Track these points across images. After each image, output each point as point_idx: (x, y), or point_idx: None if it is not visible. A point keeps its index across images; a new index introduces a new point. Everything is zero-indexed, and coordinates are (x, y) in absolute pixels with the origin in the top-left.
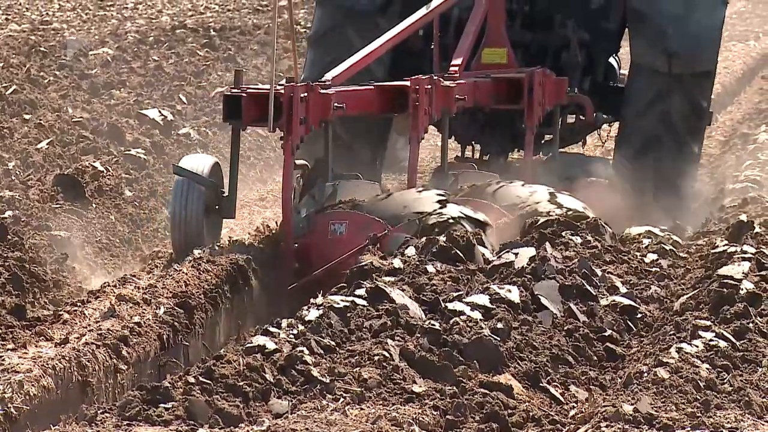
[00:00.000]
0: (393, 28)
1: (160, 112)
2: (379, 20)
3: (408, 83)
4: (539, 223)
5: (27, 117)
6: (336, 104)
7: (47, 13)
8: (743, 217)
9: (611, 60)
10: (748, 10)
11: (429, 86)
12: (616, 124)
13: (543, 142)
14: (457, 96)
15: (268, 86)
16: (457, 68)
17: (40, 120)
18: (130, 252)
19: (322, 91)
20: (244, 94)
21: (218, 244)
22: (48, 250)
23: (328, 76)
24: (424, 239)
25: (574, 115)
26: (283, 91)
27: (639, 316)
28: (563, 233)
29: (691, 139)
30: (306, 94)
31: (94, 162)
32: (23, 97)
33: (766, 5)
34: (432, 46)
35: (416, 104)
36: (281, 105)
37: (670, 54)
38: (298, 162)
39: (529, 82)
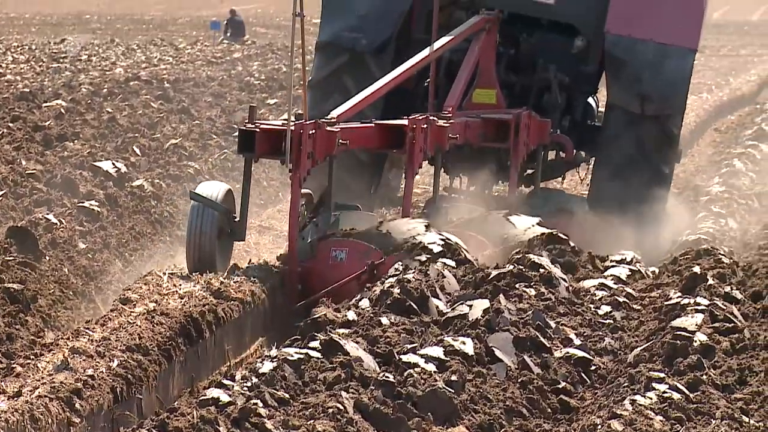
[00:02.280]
0: (388, 71)
1: (113, 164)
2: (374, 64)
3: (406, 122)
4: (493, 275)
5: None
6: (340, 140)
7: (1, 65)
8: (696, 270)
9: (590, 99)
10: (701, 63)
11: (425, 125)
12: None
13: (525, 175)
14: (449, 135)
15: (278, 123)
16: (450, 108)
17: None
18: (84, 304)
19: (328, 128)
20: (257, 129)
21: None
22: (1, 302)
23: (334, 114)
24: (377, 291)
25: (555, 152)
26: (293, 128)
27: (593, 368)
28: (517, 285)
29: (661, 174)
30: (314, 131)
31: (47, 214)
32: None
33: (720, 58)
34: (424, 85)
35: (413, 142)
36: (291, 140)
37: (643, 97)
38: (303, 191)
39: (516, 123)
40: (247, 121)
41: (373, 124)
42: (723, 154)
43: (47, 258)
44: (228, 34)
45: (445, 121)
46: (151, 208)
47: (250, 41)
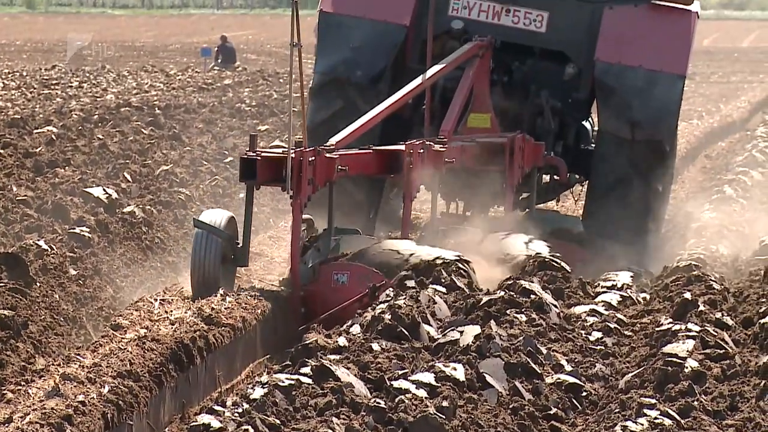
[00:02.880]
0: (385, 97)
1: (104, 190)
2: (371, 91)
3: (403, 148)
4: (483, 301)
5: None
6: (339, 167)
7: None
8: (687, 296)
9: (585, 124)
10: (691, 90)
11: (421, 150)
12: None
13: (521, 198)
14: (446, 159)
15: (278, 150)
16: (446, 133)
17: None
18: (75, 331)
19: (327, 155)
20: (258, 157)
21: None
22: None
23: (333, 140)
24: (369, 317)
25: (549, 176)
26: (293, 155)
27: (584, 394)
28: (508, 311)
29: (654, 197)
30: (314, 158)
31: (38, 240)
32: None
33: (710, 85)
34: (420, 111)
35: (410, 166)
36: (291, 167)
37: (633, 123)
38: (303, 217)
39: (511, 146)
40: (248, 149)
41: (371, 150)
42: (713, 181)
43: (38, 284)
44: (219, 61)
45: (441, 145)
46: (142, 235)
47: (241, 68)
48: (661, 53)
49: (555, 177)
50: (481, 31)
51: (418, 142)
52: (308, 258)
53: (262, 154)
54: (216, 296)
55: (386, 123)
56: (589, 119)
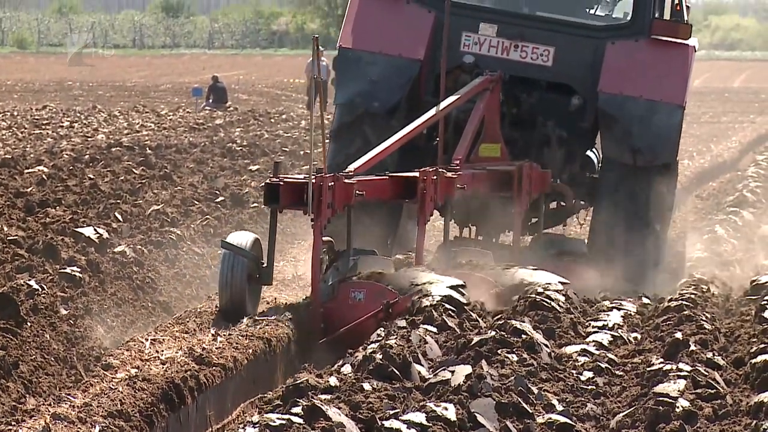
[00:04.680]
0: (402, 126)
1: (95, 229)
2: (389, 120)
3: (417, 174)
4: (475, 341)
5: None
6: (357, 192)
7: None
8: (678, 335)
9: (590, 153)
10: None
11: (435, 177)
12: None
13: (529, 224)
14: (457, 185)
15: (300, 176)
16: (458, 161)
17: None
18: (65, 370)
19: (346, 180)
20: (281, 183)
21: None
22: None
23: (351, 167)
24: (360, 357)
25: (556, 202)
26: (314, 180)
27: None
28: (499, 351)
29: (656, 221)
30: (333, 183)
31: (29, 280)
32: None
33: (701, 125)
34: (434, 142)
35: (423, 192)
36: (312, 192)
37: (635, 150)
38: (324, 239)
39: (519, 173)
40: (271, 175)
41: (387, 176)
42: (705, 221)
43: (29, 324)
44: (210, 101)
45: (453, 172)
46: (133, 274)
47: (232, 107)
48: (660, 84)
49: (561, 203)
50: (490, 65)
51: (431, 169)
52: (328, 276)
53: (285, 179)
54: (207, 335)
55: (402, 152)
56: (594, 149)
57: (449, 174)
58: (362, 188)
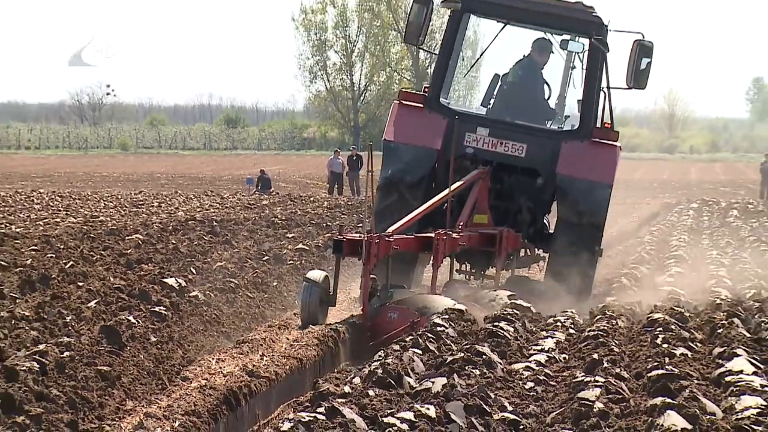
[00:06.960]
0: (424, 192)
1: (176, 280)
2: (416, 189)
3: (433, 235)
4: (449, 360)
5: (80, 284)
6: (394, 246)
7: (96, 210)
8: (595, 356)
9: (547, 216)
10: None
11: (444, 237)
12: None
13: (506, 263)
14: (460, 243)
15: (358, 235)
16: (461, 225)
17: (90, 286)
18: (154, 381)
19: (387, 238)
20: (344, 239)
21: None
22: (95, 380)
23: (390, 229)
24: (366, 371)
25: (524, 251)
26: (366, 238)
27: (521, 427)
28: (466, 367)
29: (590, 265)
30: (378, 240)
31: (128, 316)
32: (77, 269)
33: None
34: (444, 210)
35: (437, 247)
36: (365, 246)
37: (580, 212)
38: (370, 276)
39: (500, 236)
40: (336, 233)
41: (413, 237)
42: (613, 274)
43: (128, 348)
44: (259, 187)
45: (457, 234)
46: (203, 312)
47: (275, 192)
48: (597, 170)
49: (527, 253)
50: (484, 155)
51: (442, 232)
52: (374, 302)
53: (346, 236)
54: (256, 356)
55: (423, 217)
56: (547, 215)
57: (454, 235)
58: (397, 244)
